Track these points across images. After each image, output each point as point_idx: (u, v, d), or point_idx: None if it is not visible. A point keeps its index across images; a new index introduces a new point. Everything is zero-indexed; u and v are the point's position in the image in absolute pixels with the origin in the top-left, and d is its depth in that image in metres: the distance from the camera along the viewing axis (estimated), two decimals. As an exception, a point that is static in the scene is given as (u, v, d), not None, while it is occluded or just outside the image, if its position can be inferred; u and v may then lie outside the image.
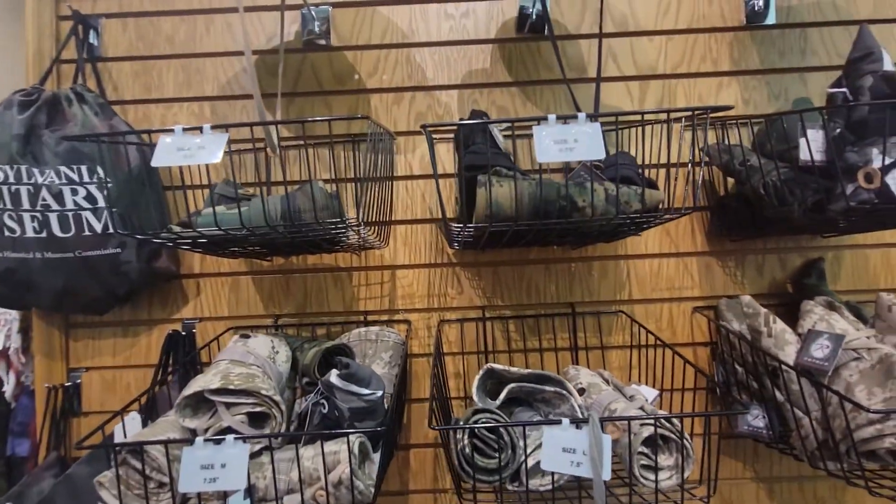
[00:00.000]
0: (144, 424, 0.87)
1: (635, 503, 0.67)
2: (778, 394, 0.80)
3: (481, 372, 0.75)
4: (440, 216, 1.00)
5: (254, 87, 0.76)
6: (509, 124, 0.94)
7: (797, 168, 0.74)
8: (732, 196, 0.96)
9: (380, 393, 0.68)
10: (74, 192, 0.87)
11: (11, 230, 0.86)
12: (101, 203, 0.88)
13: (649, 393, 0.80)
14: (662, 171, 0.92)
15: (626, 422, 0.64)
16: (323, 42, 1.02)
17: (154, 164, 0.57)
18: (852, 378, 0.72)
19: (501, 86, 1.02)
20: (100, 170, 0.85)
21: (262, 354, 0.76)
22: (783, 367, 0.76)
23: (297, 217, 0.71)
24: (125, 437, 0.72)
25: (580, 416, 0.70)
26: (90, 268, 0.89)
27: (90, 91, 0.95)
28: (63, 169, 0.87)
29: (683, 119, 0.70)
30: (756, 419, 0.84)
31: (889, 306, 0.78)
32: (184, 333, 1.00)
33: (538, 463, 0.61)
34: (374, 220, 0.81)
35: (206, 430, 0.64)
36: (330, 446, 0.62)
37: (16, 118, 0.87)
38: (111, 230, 0.88)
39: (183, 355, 0.99)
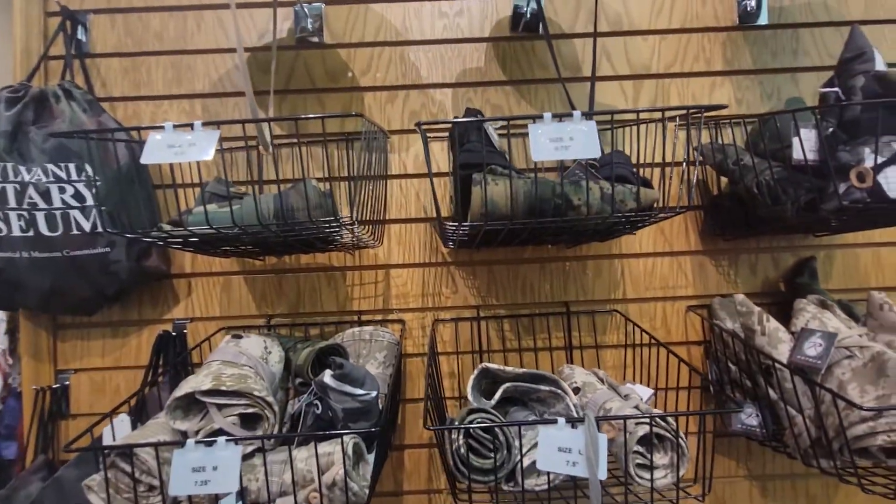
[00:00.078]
0: (134, 427, 0.85)
1: (631, 502, 0.66)
2: (771, 392, 0.80)
3: (476, 371, 0.74)
4: (434, 215, 1.00)
5: (246, 84, 0.75)
6: (504, 123, 0.94)
7: (790, 167, 0.74)
8: (726, 195, 0.96)
9: (374, 393, 0.68)
10: (62, 191, 0.85)
11: (-3, 229, 0.85)
12: (90, 201, 0.86)
13: (644, 392, 0.80)
14: (657, 171, 0.93)
15: (621, 421, 0.64)
16: (316, 39, 1.01)
17: (144, 161, 0.56)
18: (845, 376, 0.72)
19: (496, 84, 1.02)
20: (88, 167, 0.84)
21: (254, 355, 0.75)
22: (777, 365, 0.77)
23: (290, 216, 0.70)
24: (114, 439, 0.71)
25: (575, 415, 0.70)
26: (78, 267, 0.87)
27: (78, 88, 0.94)
28: (50, 167, 0.86)
29: (678, 118, 0.70)
30: (750, 417, 0.85)
31: (881, 305, 0.79)
32: (174, 334, 0.99)
33: (534, 463, 0.61)
34: (368, 218, 0.81)
35: (198, 432, 0.63)
36: (324, 447, 0.62)
37: (2, 115, 0.86)
38: (100, 229, 0.87)
39: (174, 356, 0.97)
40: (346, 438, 0.61)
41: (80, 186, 0.86)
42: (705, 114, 0.64)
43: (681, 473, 0.64)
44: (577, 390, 0.79)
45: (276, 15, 0.96)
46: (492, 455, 0.64)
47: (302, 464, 0.61)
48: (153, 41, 1.02)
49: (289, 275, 1.01)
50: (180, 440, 0.58)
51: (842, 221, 0.80)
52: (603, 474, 0.58)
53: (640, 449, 0.65)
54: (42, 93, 0.90)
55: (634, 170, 0.77)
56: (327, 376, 0.66)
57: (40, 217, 0.85)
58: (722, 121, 0.97)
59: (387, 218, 1.01)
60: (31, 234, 0.85)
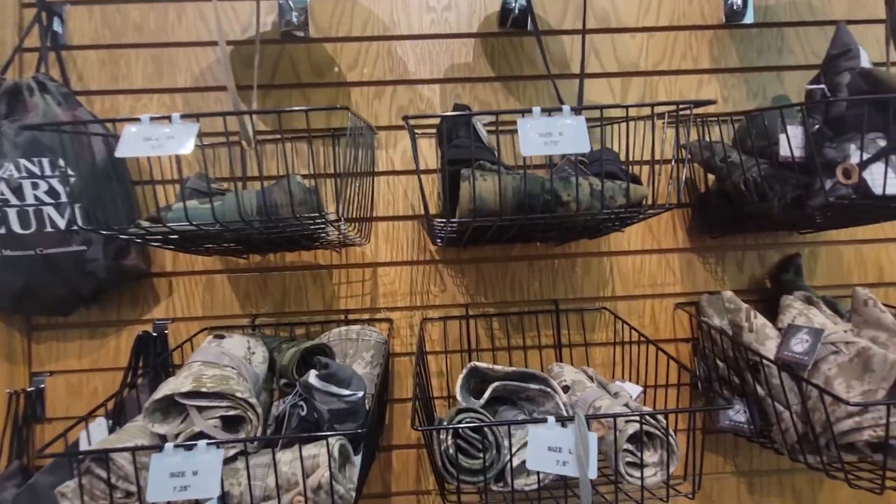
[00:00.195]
0: (112, 431, 0.82)
1: (621, 500, 0.66)
2: (759, 388, 0.80)
3: (465, 370, 0.73)
4: (423, 212, 0.98)
5: (228, 77, 0.73)
6: (493, 119, 0.93)
7: (777, 164, 0.75)
8: (713, 193, 0.96)
9: (361, 393, 0.66)
10: (35, 186, 0.82)
11: (-34, 227, 0.81)
12: (64, 198, 0.83)
13: (633, 389, 0.80)
14: (645, 168, 0.93)
15: (611, 419, 0.64)
16: (301, 34, 0.99)
17: (119, 154, 0.54)
18: (831, 372, 0.73)
19: (484, 80, 1.01)
20: (62, 162, 0.81)
21: (237, 355, 0.73)
22: (764, 361, 0.77)
23: (273, 212, 0.68)
24: (90, 444, 0.68)
25: (565, 414, 0.69)
26: (53, 266, 0.84)
27: (53, 80, 0.90)
28: (23, 162, 0.83)
29: (666, 115, 0.69)
30: (737, 414, 0.85)
31: (865, 301, 0.80)
32: (155, 335, 0.96)
33: (523, 462, 0.60)
34: (354, 215, 0.79)
35: (177, 436, 0.61)
36: (308, 450, 0.60)
37: (-28, 108, 0.82)
38: (75, 226, 0.84)
39: (154, 357, 0.94)
40: (331, 440, 0.59)
41: (55, 182, 0.83)
42: (694, 109, 0.63)
43: (670, 471, 0.64)
44: (566, 389, 0.79)
45: (259, 8, 0.94)
46: (481, 455, 0.63)
47: (286, 467, 0.59)
48: (132, 33, 0.99)
49: (274, 273, 0.99)
50: (159, 444, 0.56)
51: (827, 218, 0.80)
52: (593, 473, 0.57)
53: (630, 447, 0.64)
54: (16, 86, 0.87)
55: (623, 167, 0.76)
56: (312, 377, 0.65)
57: (12, 214, 0.82)
58: (709, 118, 0.97)
59: (374, 215, 0.99)
60: (2, 231, 0.82)
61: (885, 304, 0.81)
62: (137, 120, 0.57)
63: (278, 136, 0.98)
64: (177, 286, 0.99)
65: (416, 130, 0.99)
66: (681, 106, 0.62)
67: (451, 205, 0.70)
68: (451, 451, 0.63)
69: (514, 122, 0.59)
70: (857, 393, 0.69)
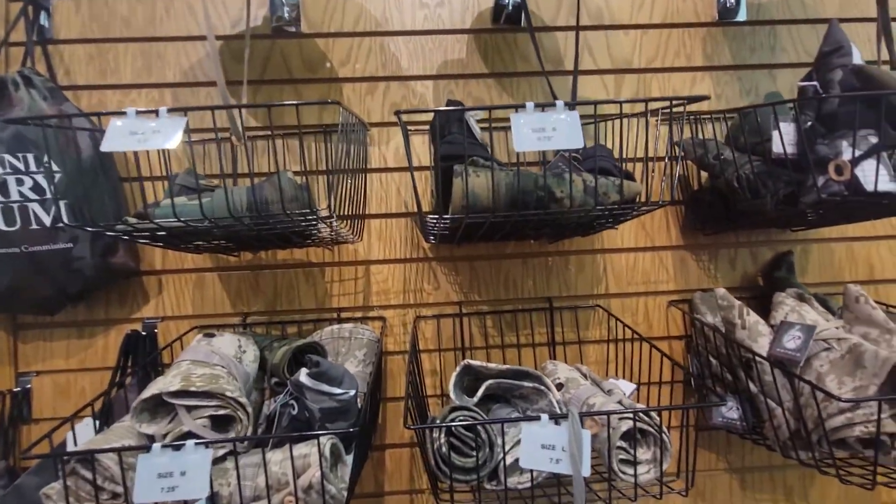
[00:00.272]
0: (100, 431, 0.81)
1: (614, 498, 0.66)
2: (751, 385, 0.80)
3: (458, 368, 0.73)
4: (416, 209, 0.98)
5: (217, 70, 0.71)
6: (486, 116, 0.92)
7: (770, 161, 0.75)
8: (706, 190, 0.96)
9: (352, 392, 0.66)
10: (20, 183, 0.81)
11: (-51, 224, 0.80)
12: (50, 194, 0.82)
13: (626, 387, 0.79)
14: (639, 165, 0.92)
15: (605, 416, 0.63)
16: (293, 29, 0.98)
17: (104, 148, 0.53)
18: (823, 368, 0.73)
19: (477, 77, 1.01)
20: (50, 158, 0.79)
21: (227, 354, 0.72)
22: (757, 358, 0.77)
23: (263, 209, 0.67)
24: (75, 444, 0.67)
25: (559, 411, 0.69)
26: (38, 264, 0.82)
27: (39, 75, 0.89)
28: (7, 157, 0.81)
29: (660, 112, 0.69)
30: (730, 411, 0.85)
31: (857, 297, 0.80)
32: (144, 334, 0.95)
33: (517, 460, 0.60)
34: (346, 212, 0.78)
35: (165, 436, 0.60)
36: (299, 449, 0.59)
37: (-45, 102, 0.81)
38: (61, 223, 0.82)
39: (143, 357, 0.93)
40: (322, 439, 0.59)
41: (40, 178, 0.81)
42: (688, 106, 0.63)
43: (664, 468, 0.64)
44: (560, 386, 0.78)
45: (249, 2, 0.92)
46: (474, 453, 0.63)
47: (276, 467, 0.58)
48: (120, 27, 0.97)
49: (265, 271, 0.98)
50: (145, 444, 0.55)
51: (819, 215, 0.81)
52: (587, 471, 0.57)
53: (624, 444, 0.64)
54: (1, 80, 0.85)
55: (617, 163, 0.76)
56: (303, 375, 0.64)
57: (-4, 211, 0.80)
58: (702, 116, 0.97)
59: (367, 213, 0.99)
60: (-14, 228, 0.80)
61: (877, 301, 0.81)
62: (123, 114, 0.55)
63: (269, 132, 0.97)
64: (166, 284, 0.97)
65: (410, 127, 0.99)
66: (674, 102, 0.62)
67: (443, 201, 0.69)
68: (443, 449, 0.62)
69: (508, 119, 0.59)
70: (849, 389, 0.69)
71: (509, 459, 0.63)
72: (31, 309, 0.90)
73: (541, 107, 0.59)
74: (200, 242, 0.80)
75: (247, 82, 0.87)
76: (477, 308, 1.00)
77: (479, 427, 0.63)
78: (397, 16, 1.00)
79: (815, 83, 0.72)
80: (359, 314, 0.99)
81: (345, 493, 0.60)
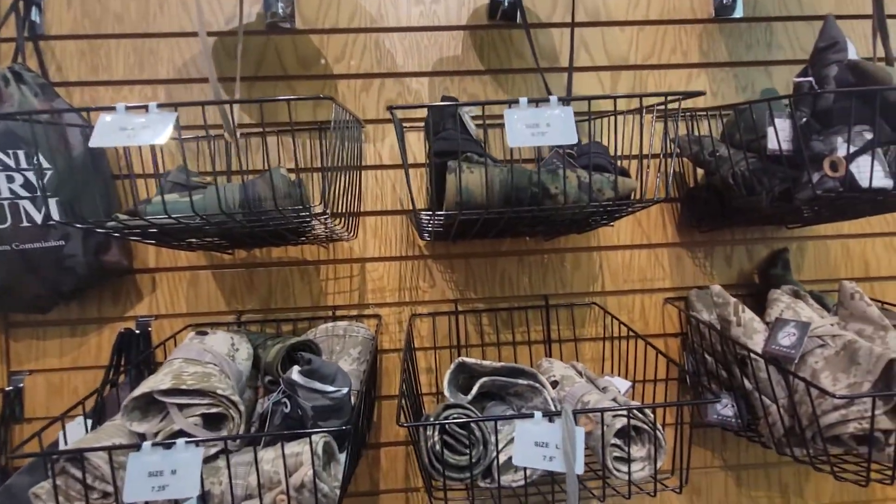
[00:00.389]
0: (92, 430, 0.81)
1: (608, 495, 0.66)
2: (747, 382, 0.80)
3: (453, 366, 0.72)
4: (411, 206, 0.97)
5: (209, 66, 0.71)
6: (481, 112, 0.92)
7: (765, 157, 0.74)
8: (702, 187, 0.96)
9: (345, 390, 0.65)
10: (10, 180, 0.80)
11: (-61, 221, 0.79)
12: (40, 191, 0.81)
13: (622, 384, 0.79)
14: (634, 162, 0.92)
15: (599, 414, 0.63)
16: (287, 25, 0.97)
17: (92, 144, 0.52)
18: (818, 365, 0.73)
19: (473, 73, 1.00)
20: (39, 155, 0.79)
21: (220, 352, 0.71)
22: (752, 355, 0.77)
23: (256, 205, 0.66)
24: (66, 444, 0.66)
25: (553, 409, 0.69)
26: (30, 262, 0.82)
27: (30, 71, 0.88)
28: (-3, 154, 0.80)
29: (655, 108, 0.69)
30: (725, 408, 0.85)
31: (852, 294, 0.80)
32: (138, 332, 0.94)
33: (510, 458, 0.59)
34: (341, 210, 0.78)
35: (157, 435, 0.60)
36: (291, 447, 0.59)
37: (-56, 99, 0.80)
38: (52, 221, 0.81)
39: (136, 355, 0.92)
40: (315, 437, 0.58)
41: (31, 175, 0.80)
42: (683, 102, 0.63)
43: (658, 465, 0.63)
44: (555, 384, 0.78)
45: (243, -3, 0.91)
46: (467, 451, 0.62)
47: (268, 465, 0.58)
48: (113, 23, 0.96)
49: (260, 269, 0.98)
50: (135, 443, 0.55)
51: (814, 212, 0.81)
52: (580, 468, 0.56)
53: (618, 442, 0.64)
54: (-10, 76, 0.84)
55: (612, 160, 0.76)
56: (295, 373, 0.63)
57: (-13, 208, 0.80)
58: (698, 113, 0.97)
59: (362, 210, 0.98)
60: (-24, 226, 0.79)
61: (872, 298, 0.81)
62: (113, 109, 0.55)
63: (264, 130, 0.96)
64: (160, 282, 0.97)
65: (405, 124, 0.98)
66: (669, 97, 0.62)
67: (437, 198, 0.69)
68: (437, 447, 0.62)
69: (503, 116, 0.58)
70: (843, 386, 0.69)
71: (503, 457, 0.63)
72: (23, 307, 0.89)
73: (534, 102, 0.58)
74: (193, 240, 0.79)
75: (240, 79, 0.86)
76: (473, 306, 1.00)
77: (472, 425, 0.63)
78: (392, 12, 0.99)
79: (810, 79, 0.72)
80: (354, 312, 0.98)
81: (337, 492, 0.59)
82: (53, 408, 0.94)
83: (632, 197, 0.71)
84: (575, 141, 0.57)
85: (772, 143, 0.71)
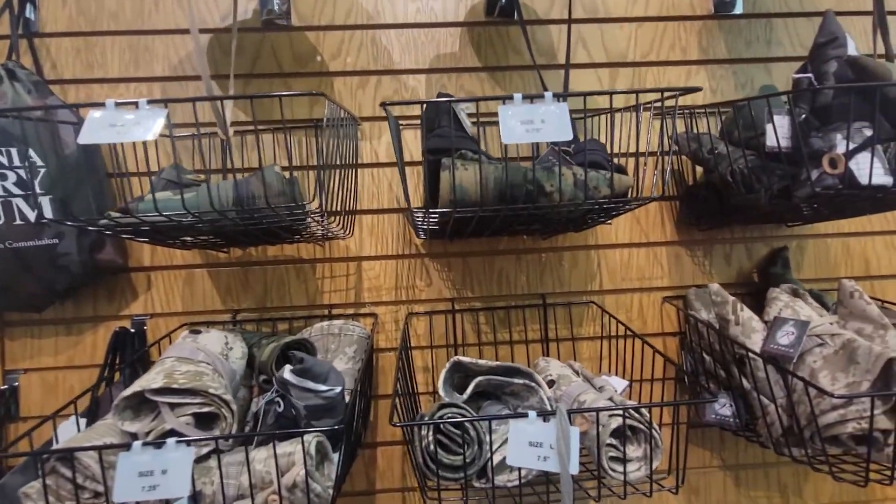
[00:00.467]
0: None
1: (604, 496, 0.65)
2: (745, 382, 0.80)
3: (448, 365, 0.72)
4: (406, 205, 0.97)
5: (202, 63, 0.70)
6: (477, 109, 0.91)
7: (764, 155, 0.74)
8: (701, 185, 0.95)
9: (338, 389, 0.65)
10: (3, 177, 0.79)
11: (-69, 219, 0.78)
12: (35, 189, 0.81)
13: (619, 384, 0.79)
14: (631, 159, 0.91)
15: (594, 413, 0.62)
16: (283, 22, 0.97)
17: (81, 141, 0.52)
18: (816, 364, 0.72)
19: (470, 70, 0.99)
20: (32, 152, 0.78)
21: (213, 351, 0.71)
22: (750, 354, 0.76)
23: (250, 203, 0.66)
24: (57, 443, 0.66)
25: (548, 408, 0.68)
26: (23, 260, 0.81)
27: (24, 68, 0.87)
28: (-10, 152, 0.80)
29: (653, 106, 0.68)
30: (723, 408, 0.84)
31: (851, 293, 0.79)
32: (133, 331, 0.94)
33: (505, 458, 0.59)
34: (336, 208, 0.77)
35: (148, 434, 0.59)
36: (284, 447, 0.58)
37: (-64, 96, 0.79)
38: (45, 219, 0.81)
39: (131, 354, 0.92)
40: (307, 437, 0.58)
41: (24, 173, 0.80)
42: (681, 98, 0.62)
43: (654, 465, 0.63)
44: (551, 383, 0.77)
45: (238, -6, 0.91)
46: (462, 451, 0.62)
47: (260, 465, 0.57)
48: (108, 20, 0.96)
49: (255, 267, 0.97)
50: (125, 442, 0.54)
51: (813, 209, 0.80)
52: (575, 468, 0.56)
53: (614, 441, 0.63)
54: (-17, 73, 0.84)
55: (609, 158, 0.75)
56: (287, 372, 0.63)
57: (-20, 206, 0.79)
58: (697, 110, 0.96)
59: (358, 208, 0.97)
60: (-31, 224, 0.79)
61: (872, 297, 0.81)
62: (103, 105, 0.54)
63: (259, 128, 0.95)
64: (155, 281, 0.96)
65: (401, 121, 0.97)
66: (667, 94, 0.61)
67: (431, 195, 0.68)
68: (431, 447, 0.62)
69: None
70: (842, 385, 0.68)
71: (498, 457, 0.62)
72: (18, 306, 0.89)
73: (529, 98, 0.58)
74: (188, 238, 0.79)
75: (234, 76, 0.86)
76: (469, 304, 0.99)
77: (467, 424, 0.62)
78: (389, 8, 0.99)
79: (809, 75, 0.71)
80: (350, 311, 0.98)
81: (330, 492, 0.59)
82: (49, 406, 0.94)
83: (629, 194, 0.70)
84: (570, 137, 0.56)
85: (771, 141, 0.70)
